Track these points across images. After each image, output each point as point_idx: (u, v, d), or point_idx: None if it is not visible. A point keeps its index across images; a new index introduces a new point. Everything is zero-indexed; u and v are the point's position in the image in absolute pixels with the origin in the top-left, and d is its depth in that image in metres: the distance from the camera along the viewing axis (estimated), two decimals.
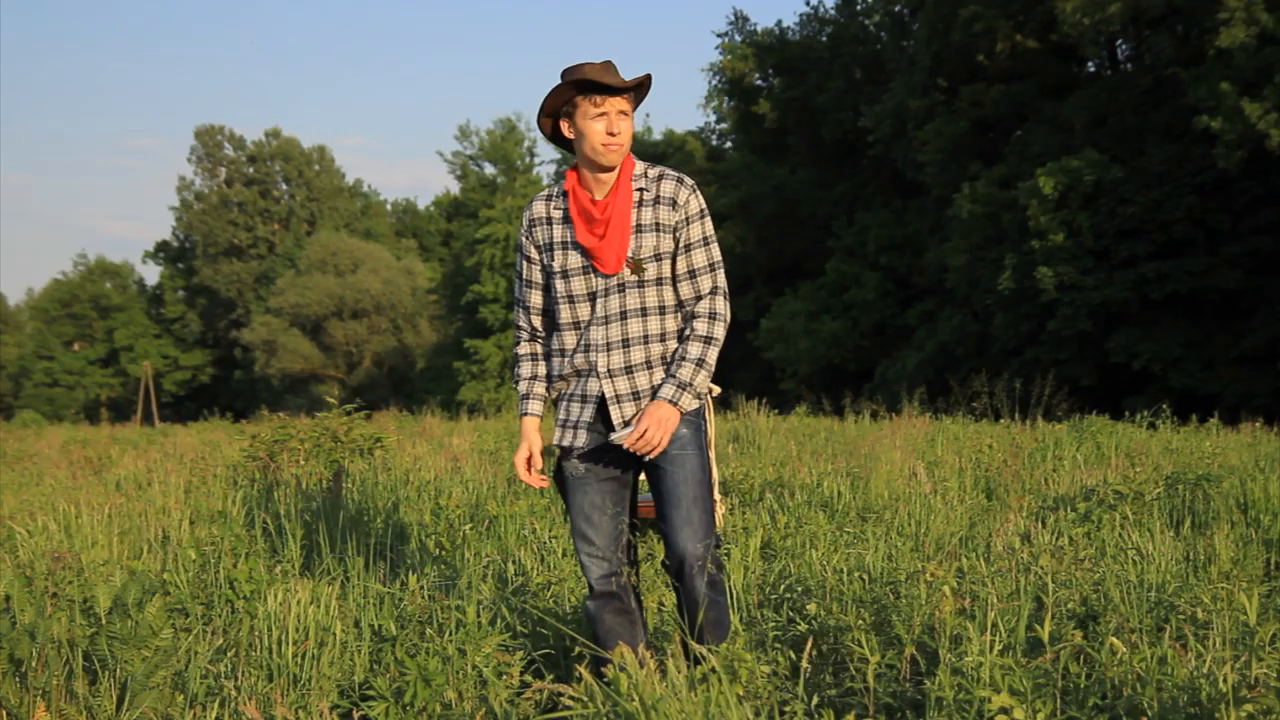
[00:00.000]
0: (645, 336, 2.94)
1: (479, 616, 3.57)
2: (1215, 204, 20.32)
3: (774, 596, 4.04)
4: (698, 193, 2.96)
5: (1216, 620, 3.15)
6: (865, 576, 4.10)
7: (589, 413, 2.97)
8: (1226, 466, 7.32)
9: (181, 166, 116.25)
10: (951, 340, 25.14)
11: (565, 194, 2.99)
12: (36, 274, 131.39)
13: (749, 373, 31.48)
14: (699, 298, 2.96)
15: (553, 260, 2.99)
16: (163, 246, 64.68)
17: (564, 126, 2.94)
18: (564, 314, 2.98)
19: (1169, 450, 8.65)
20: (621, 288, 2.92)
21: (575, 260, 2.95)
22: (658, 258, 2.92)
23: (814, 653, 3.35)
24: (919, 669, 3.10)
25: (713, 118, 41.05)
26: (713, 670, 2.55)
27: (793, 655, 3.19)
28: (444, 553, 4.74)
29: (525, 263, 3.06)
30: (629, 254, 2.91)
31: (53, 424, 30.98)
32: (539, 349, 3.11)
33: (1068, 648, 2.84)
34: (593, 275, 2.94)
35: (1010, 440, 8.72)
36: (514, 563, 4.48)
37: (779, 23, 49.02)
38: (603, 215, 2.90)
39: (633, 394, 2.93)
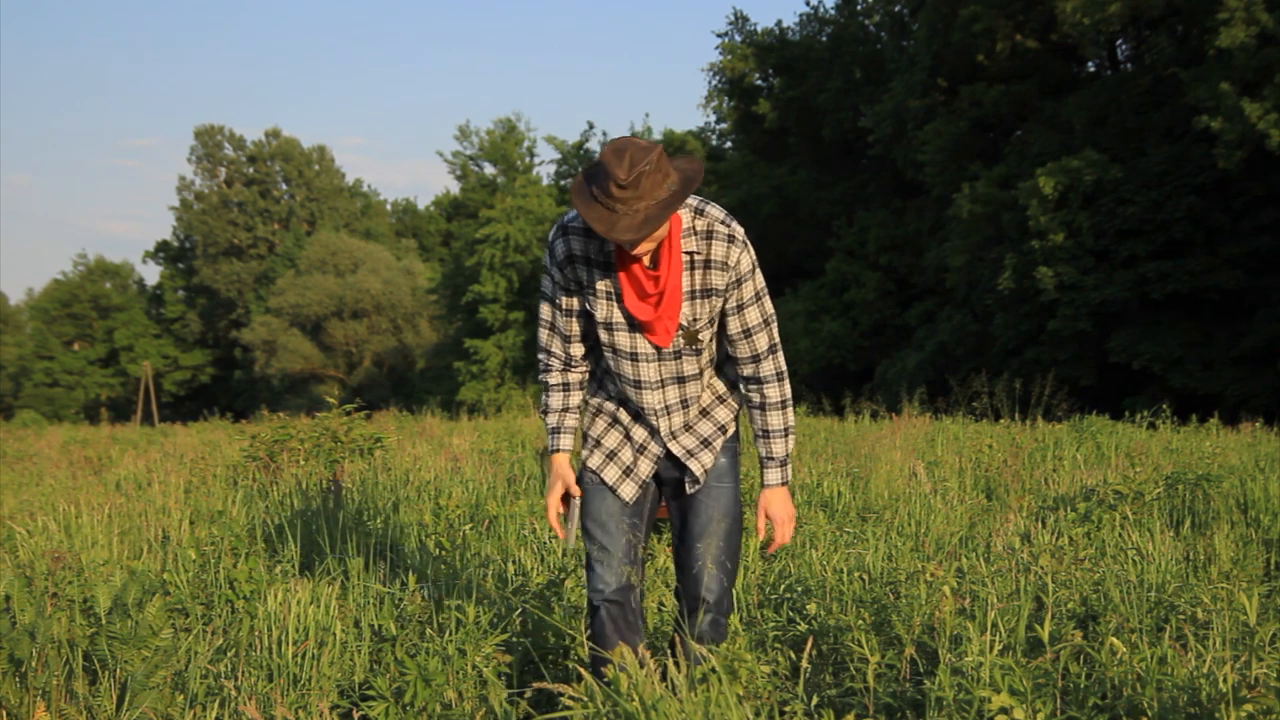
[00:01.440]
0: (700, 394, 2.90)
1: (479, 617, 3.57)
2: (1215, 204, 20.30)
3: (774, 596, 4.04)
4: (748, 246, 2.76)
5: (1216, 620, 3.15)
6: (865, 576, 4.11)
7: (649, 468, 2.91)
8: (1226, 466, 7.32)
9: (181, 166, 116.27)
10: (951, 340, 25.12)
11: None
12: (36, 274, 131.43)
13: None
14: (757, 358, 2.83)
15: (594, 306, 2.78)
16: (163, 246, 64.72)
17: None
18: (608, 359, 2.85)
19: (1169, 450, 8.64)
20: (677, 354, 2.81)
21: (619, 316, 2.77)
22: (710, 322, 2.79)
23: (814, 653, 3.35)
24: (919, 669, 3.10)
25: (713, 118, 41.05)
26: (713, 670, 2.55)
27: (793, 655, 3.20)
28: (444, 553, 4.74)
29: (563, 294, 2.81)
30: (681, 323, 2.76)
31: (53, 424, 30.99)
32: (573, 378, 2.91)
33: (1068, 648, 2.84)
34: (639, 336, 2.79)
35: (1010, 440, 8.72)
36: (514, 563, 4.49)
37: (779, 23, 48.94)
38: (655, 289, 2.71)
39: (694, 438, 2.91)
